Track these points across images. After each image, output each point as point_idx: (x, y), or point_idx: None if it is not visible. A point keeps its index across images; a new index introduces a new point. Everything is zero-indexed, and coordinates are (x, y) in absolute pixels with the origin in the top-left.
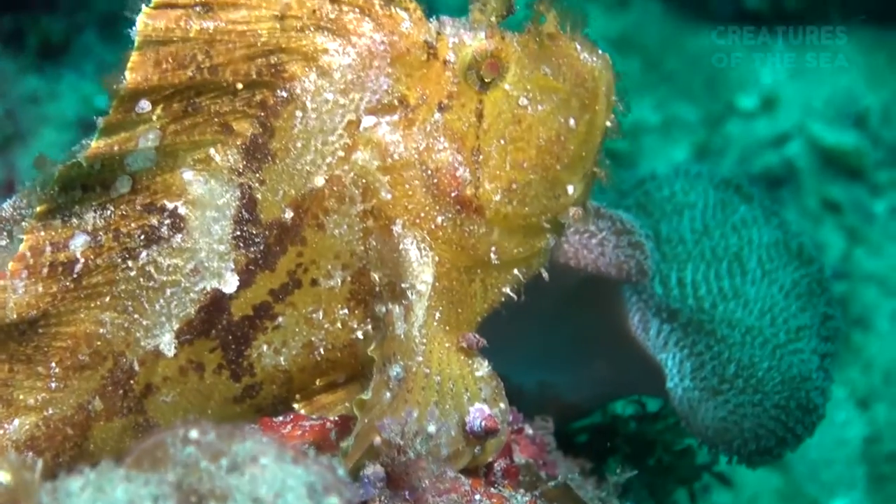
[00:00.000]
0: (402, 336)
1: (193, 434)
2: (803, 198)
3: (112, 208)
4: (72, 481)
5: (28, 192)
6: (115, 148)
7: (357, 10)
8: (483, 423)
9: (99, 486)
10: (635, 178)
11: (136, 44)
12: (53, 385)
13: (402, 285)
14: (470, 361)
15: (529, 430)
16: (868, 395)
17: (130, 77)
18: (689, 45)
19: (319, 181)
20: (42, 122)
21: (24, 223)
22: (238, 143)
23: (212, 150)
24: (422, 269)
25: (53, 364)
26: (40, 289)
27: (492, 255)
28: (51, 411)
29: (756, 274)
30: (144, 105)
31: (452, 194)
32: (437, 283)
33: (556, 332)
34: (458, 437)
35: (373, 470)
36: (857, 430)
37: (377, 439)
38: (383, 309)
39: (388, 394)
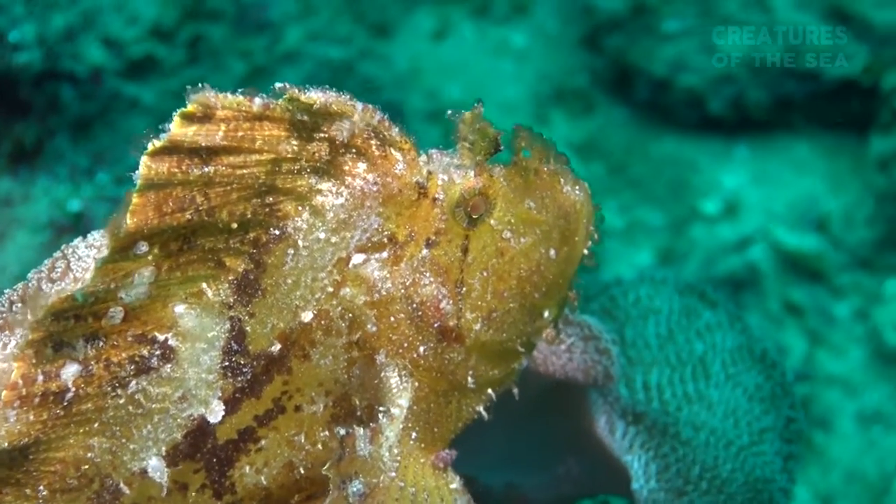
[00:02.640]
0: (367, 456)
1: None
2: (766, 301)
3: (104, 339)
4: None
5: (8, 296)
6: (112, 285)
7: (354, 151)
8: None
9: None
10: (600, 282)
11: (137, 187)
12: None
13: (379, 409)
14: (444, 475)
15: None
16: (830, 495)
17: (131, 221)
18: (654, 151)
19: (308, 316)
20: (15, 225)
21: (14, 350)
22: (230, 278)
23: (204, 285)
24: (399, 395)
25: (42, 487)
26: (31, 417)
27: (469, 379)
28: None
29: (720, 377)
30: (143, 247)
31: (435, 325)
32: (415, 407)
33: (524, 435)
34: None
35: None
36: None
37: None
38: (342, 431)
39: None
